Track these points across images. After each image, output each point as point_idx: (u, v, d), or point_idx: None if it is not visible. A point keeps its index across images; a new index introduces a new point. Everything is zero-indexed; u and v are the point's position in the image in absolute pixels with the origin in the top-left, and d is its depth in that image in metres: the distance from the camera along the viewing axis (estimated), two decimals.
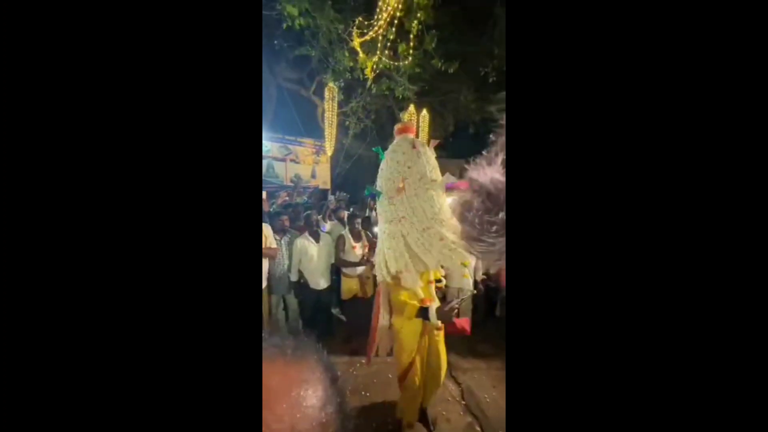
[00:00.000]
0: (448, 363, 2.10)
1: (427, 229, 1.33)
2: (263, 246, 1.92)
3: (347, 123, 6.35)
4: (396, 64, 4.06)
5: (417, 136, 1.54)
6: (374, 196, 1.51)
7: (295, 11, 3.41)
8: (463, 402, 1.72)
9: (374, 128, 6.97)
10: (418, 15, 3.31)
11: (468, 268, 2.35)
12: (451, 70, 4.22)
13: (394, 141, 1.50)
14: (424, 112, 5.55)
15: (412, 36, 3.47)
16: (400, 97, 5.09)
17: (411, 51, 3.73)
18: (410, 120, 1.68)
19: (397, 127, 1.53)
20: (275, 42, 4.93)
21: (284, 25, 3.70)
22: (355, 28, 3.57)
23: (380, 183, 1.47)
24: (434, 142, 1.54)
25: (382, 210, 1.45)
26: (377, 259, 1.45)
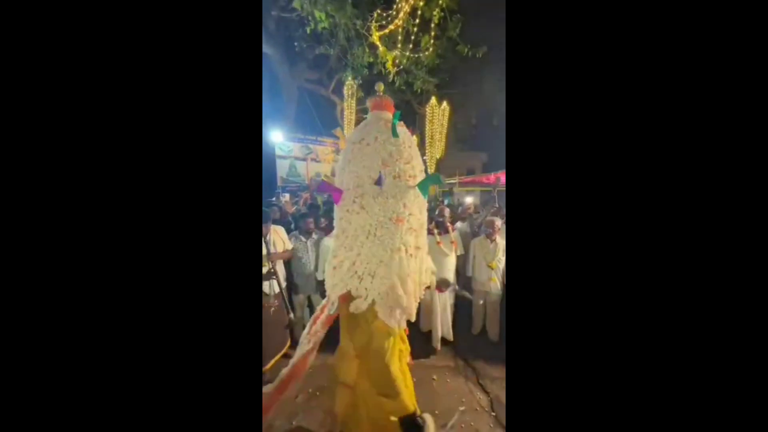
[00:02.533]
0: (475, 370, 2.03)
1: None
2: (282, 249, 1.97)
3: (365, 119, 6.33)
4: (416, 56, 3.91)
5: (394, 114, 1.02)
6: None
7: (323, 16, 3.43)
8: (493, 413, 1.63)
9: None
10: (440, 2, 3.14)
11: (495, 271, 2.23)
12: (479, 55, 3.96)
13: (367, 119, 1.03)
14: (445, 104, 5.33)
15: (433, 25, 3.31)
16: (419, 90, 4.93)
17: (432, 41, 3.57)
18: (385, 93, 1.06)
19: (370, 101, 1.06)
20: (296, 44, 5.01)
21: (308, 29, 3.72)
22: (373, 21, 3.49)
23: (340, 176, 1.01)
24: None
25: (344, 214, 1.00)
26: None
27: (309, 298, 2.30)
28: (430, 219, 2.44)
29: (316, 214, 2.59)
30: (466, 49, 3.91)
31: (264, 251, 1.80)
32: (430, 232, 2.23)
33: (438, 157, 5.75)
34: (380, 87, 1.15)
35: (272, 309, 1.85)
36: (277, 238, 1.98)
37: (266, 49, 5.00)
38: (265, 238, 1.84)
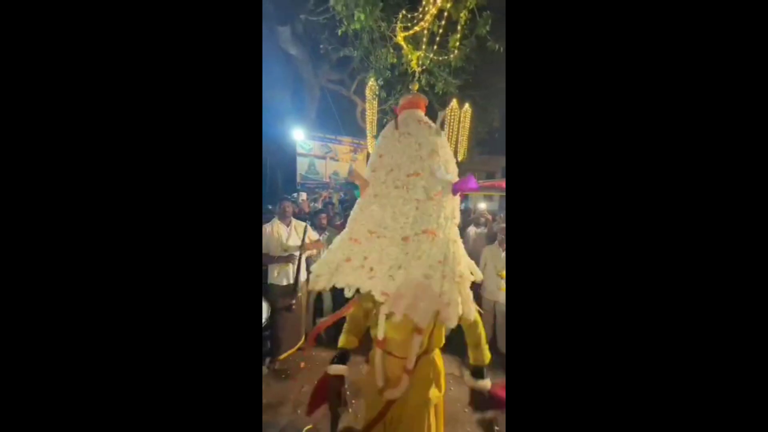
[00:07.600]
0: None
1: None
2: (307, 240, 2.03)
3: (386, 121, 6.36)
4: (442, 58, 3.85)
5: (426, 113, 1.01)
6: None
7: (363, 16, 3.44)
8: (497, 428, 1.57)
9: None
10: (468, 2, 3.07)
11: (505, 281, 2.15)
12: None
13: (400, 117, 1.02)
14: (467, 106, 5.20)
15: (460, 27, 3.25)
16: (441, 92, 4.85)
17: (458, 42, 3.48)
18: (419, 92, 1.07)
19: (402, 100, 1.06)
20: (321, 46, 5.14)
21: (339, 31, 3.79)
22: (398, 22, 3.49)
23: (368, 173, 1.03)
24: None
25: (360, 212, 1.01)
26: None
27: (320, 294, 2.36)
28: None
29: (331, 210, 2.65)
30: (496, 47, 3.77)
31: (298, 242, 1.94)
32: None
33: (459, 160, 5.62)
34: (415, 86, 1.26)
35: (293, 304, 1.93)
36: (299, 232, 2.05)
37: (292, 50, 5.18)
38: (297, 231, 1.99)
